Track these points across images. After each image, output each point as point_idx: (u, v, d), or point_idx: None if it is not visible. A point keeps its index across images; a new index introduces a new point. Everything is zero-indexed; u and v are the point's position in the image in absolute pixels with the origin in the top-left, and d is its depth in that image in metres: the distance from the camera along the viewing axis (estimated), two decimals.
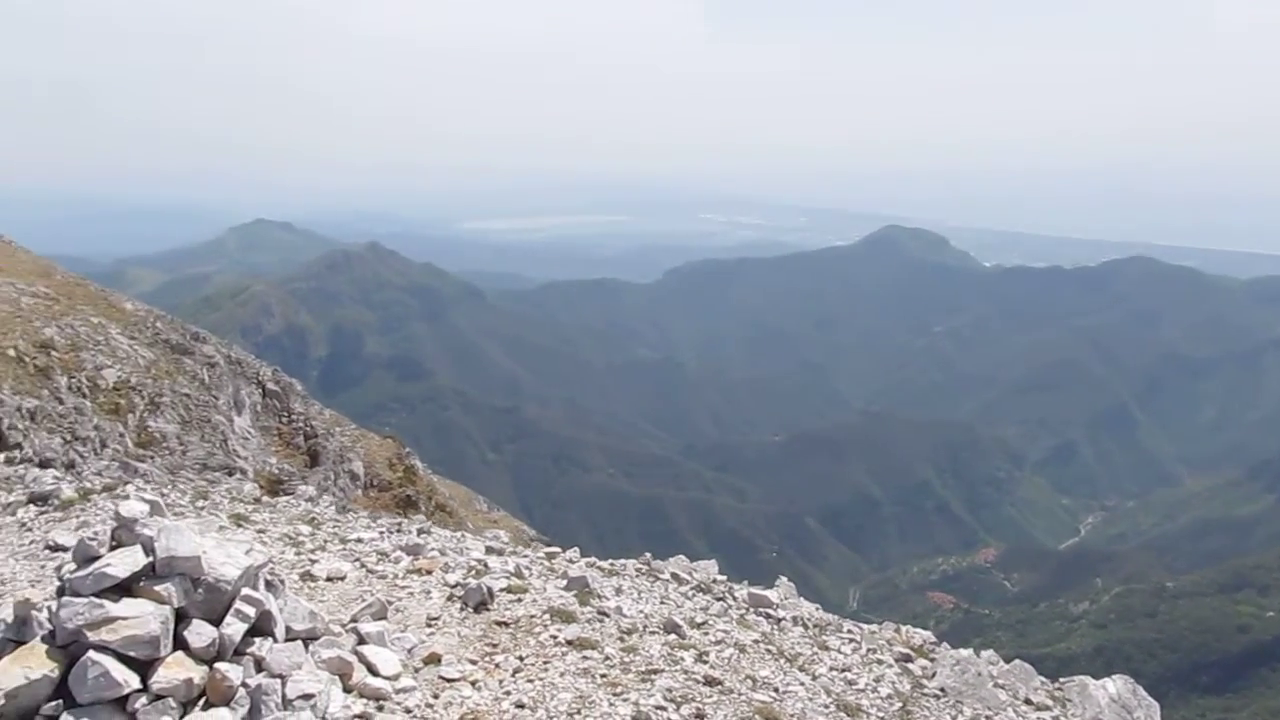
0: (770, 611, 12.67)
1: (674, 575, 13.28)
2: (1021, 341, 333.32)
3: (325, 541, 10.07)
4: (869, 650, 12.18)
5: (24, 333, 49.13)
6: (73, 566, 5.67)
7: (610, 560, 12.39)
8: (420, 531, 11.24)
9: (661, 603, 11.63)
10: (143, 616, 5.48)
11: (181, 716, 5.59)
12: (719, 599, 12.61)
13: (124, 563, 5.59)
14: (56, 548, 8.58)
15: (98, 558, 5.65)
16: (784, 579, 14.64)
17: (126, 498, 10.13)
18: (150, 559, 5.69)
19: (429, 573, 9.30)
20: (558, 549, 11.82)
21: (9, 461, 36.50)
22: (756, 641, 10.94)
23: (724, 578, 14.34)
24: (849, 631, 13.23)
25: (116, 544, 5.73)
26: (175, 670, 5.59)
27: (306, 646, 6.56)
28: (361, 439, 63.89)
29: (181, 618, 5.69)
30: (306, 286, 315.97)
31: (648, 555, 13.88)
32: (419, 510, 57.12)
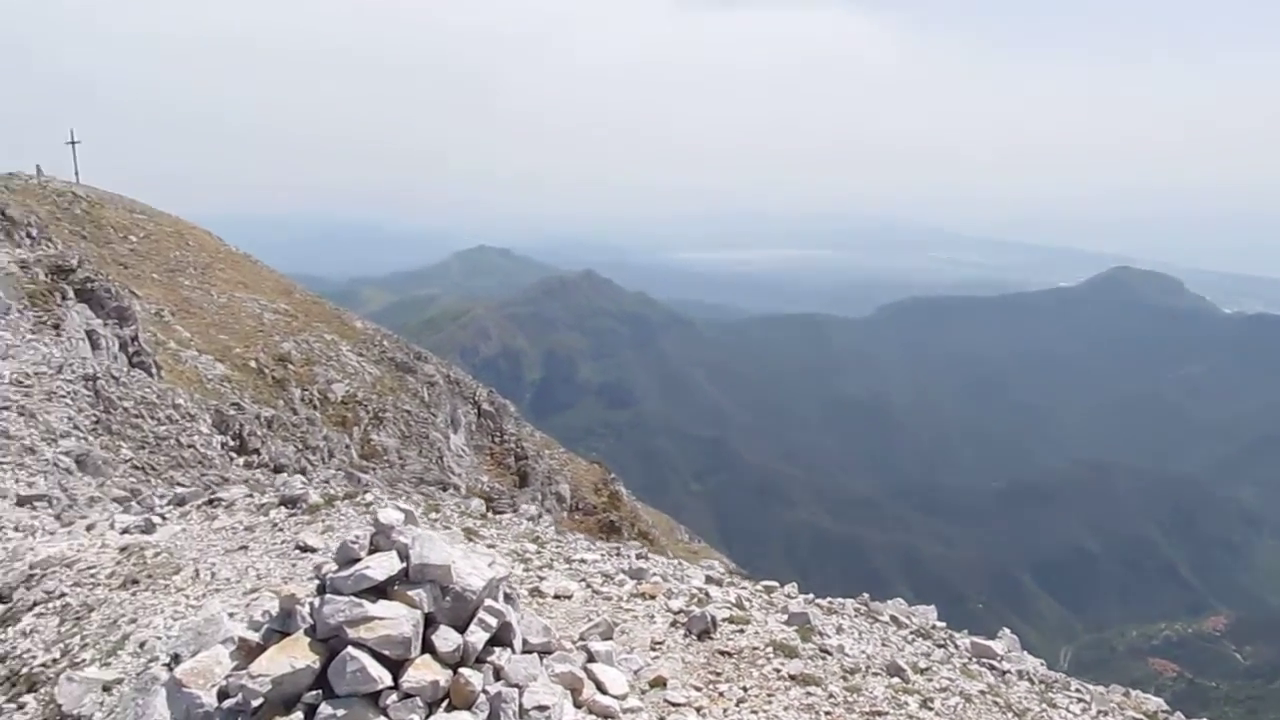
0: (994, 663, 12.22)
1: (893, 618, 13.00)
2: (1262, 394, 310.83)
3: (551, 560, 10.34)
4: (1099, 712, 11.57)
5: (265, 346, 52.68)
6: (334, 567, 6.02)
7: (828, 599, 12.23)
8: (639, 556, 11.40)
9: (883, 645, 11.39)
10: (397, 618, 5.76)
11: (427, 716, 5.86)
12: (940, 645, 12.25)
13: (382, 567, 5.90)
14: (305, 548, 9.11)
15: (357, 560, 5.97)
16: (1007, 631, 14.07)
17: (367, 505, 10.69)
18: (404, 565, 5.98)
19: (652, 597, 9.41)
20: (775, 583, 11.77)
21: (248, 465, 39.12)
22: (982, 692, 10.57)
23: (943, 624, 13.93)
24: (1076, 690, 12.60)
25: (374, 548, 6.05)
26: (423, 671, 5.87)
27: (541, 659, 6.77)
28: (569, 463, 65.43)
29: (430, 622, 5.96)
30: (524, 311, 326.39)
31: (865, 596, 13.65)
32: (622, 536, 57.96)
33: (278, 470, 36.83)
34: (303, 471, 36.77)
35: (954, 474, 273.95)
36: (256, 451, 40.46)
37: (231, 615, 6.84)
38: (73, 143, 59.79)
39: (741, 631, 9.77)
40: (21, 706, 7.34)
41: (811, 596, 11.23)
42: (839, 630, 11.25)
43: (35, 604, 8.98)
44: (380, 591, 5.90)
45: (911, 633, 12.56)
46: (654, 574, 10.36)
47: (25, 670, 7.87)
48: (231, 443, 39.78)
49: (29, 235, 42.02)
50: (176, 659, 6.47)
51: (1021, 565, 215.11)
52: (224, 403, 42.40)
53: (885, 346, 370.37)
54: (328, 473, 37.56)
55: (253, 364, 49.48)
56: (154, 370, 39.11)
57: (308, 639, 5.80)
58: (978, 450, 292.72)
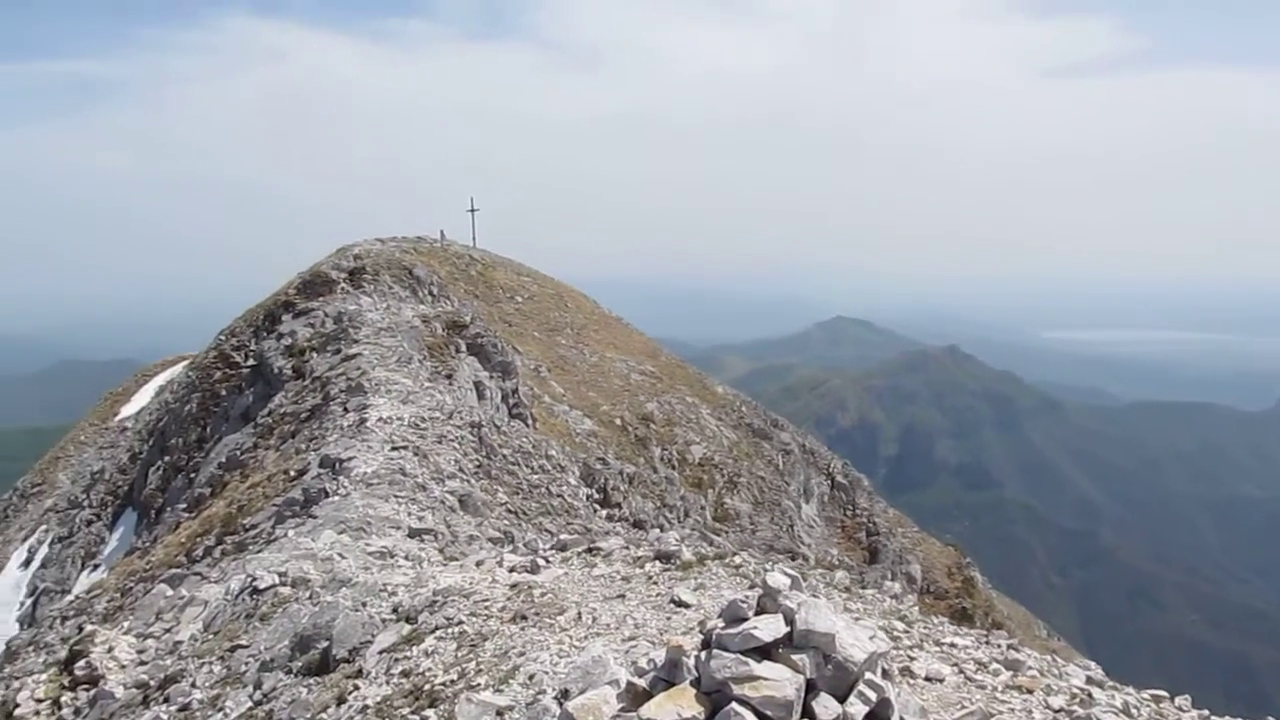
0: None
1: None
2: None
3: (921, 640, 10.09)
4: None
5: (630, 405, 55.08)
6: (720, 624, 6.18)
7: (1227, 718, 11.10)
8: (1010, 646, 10.88)
9: None
10: (781, 680, 5.83)
11: None
12: None
13: (768, 628, 6.00)
14: (680, 603, 9.40)
15: (744, 619, 6.11)
16: None
17: (735, 567, 10.91)
18: (789, 629, 6.06)
19: (1030, 691, 8.95)
20: (1164, 693, 10.82)
21: (610, 518, 40.85)
22: None
23: None
24: None
25: (761, 610, 6.17)
26: None
27: None
28: (922, 543, 63.55)
29: (810, 689, 5.99)
30: (882, 384, 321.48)
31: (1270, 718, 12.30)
32: (974, 625, 55.34)
33: (637, 525, 38.26)
34: (659, 528, 37.88)
35: None
36: (619, 505, 42.23)
37: (613, 659, 7.16)
38: (472, 210, 65.54)
39: None
40: (424, 719, 8.05)
41: (1207, 713, 10.22)
42: None
43: (436, 628, 9.80)
44: (765, 652, 5.99)
45: None
46: (1030, 667, 9.84)
47: (427, 687, 8.61)
48: (596, 495, 41.76)
49: (431, 293, 46.40)
50: (566, 694, 6.86)
51: None
52: (591, 456, 44.65)
53: None
54: (683, 532, 38.59)
55: (618, 421, 51.81)
56: (530, 421, 41.83)
57: (693, 690, 5.98)
58: None
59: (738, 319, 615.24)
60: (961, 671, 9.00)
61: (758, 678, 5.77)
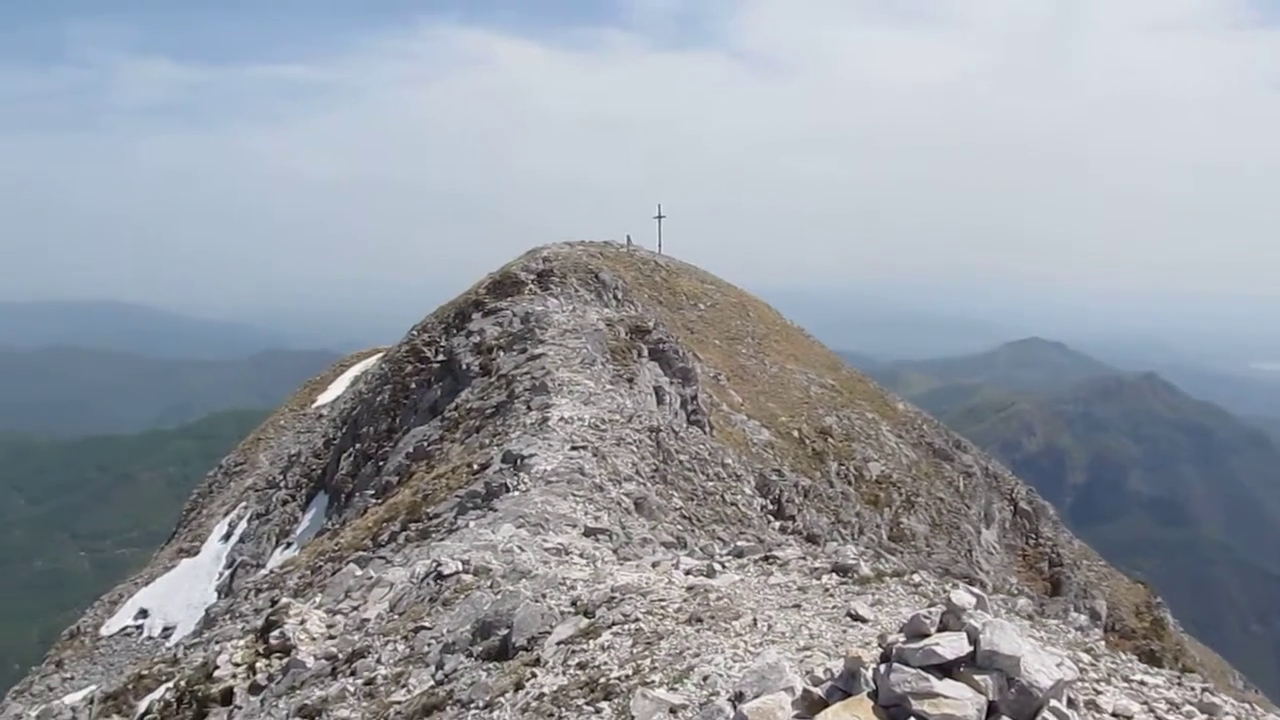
0: None
1: None
2: None
3: (1108, 675, 9.71)
4: None
5: (809, 418, 54.59)
6: (901, 638, 6.11)
7: None
8: (1204, 690, 10.34)
9: None
10: (962, 700, 5.73)
11: None
12: None
13: (950, 646, 5.91)
14: (856, 617, 9.32)
15: (926, 635, 6.03)
16: None
17: (915, 585, 10.73)
18: (972, 648, 5.95)
19: None
20: None
21: (783, 530, 40.60)
22: None
23: None
24: None
25: (943, 627, 6.08)
26: None
27: None
28: (1109, 578, 60.78)
29: (991, 711, 5.86)
30: (1073, 410, 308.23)
31: None
32: (1162, 668, 52.61)
33: (810, 539, 37.89)
34: (826, 545, 37.35)
35: None
36: (792, 518, 41.93)
37: (789, 666, 7.16)
38: (659, 217, 66.08)
39: None
40: (599, 711, 8.21)
41: None
42: None
43: (613, 624, 9.98)
44: (946, 670, 5.90)
45: None
46: (1227, 713, 9.34)
47: (602, 680, 8.77)
48: (770, 506, 41.55)
49: (615, 297, 47.10)
50: (740, 697, 6.90)
51: None
52: (767, 467, 44.47)
53: None
54: (856, 550, 38.05)
55: (795, 434, 51.43)
56: (708, 429, 41.97)
57: (870, 702, 5.93)
58: None
59: (923, 335, 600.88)
60: (1152, 711, 8.61)
61: (938, 695, 5.68)
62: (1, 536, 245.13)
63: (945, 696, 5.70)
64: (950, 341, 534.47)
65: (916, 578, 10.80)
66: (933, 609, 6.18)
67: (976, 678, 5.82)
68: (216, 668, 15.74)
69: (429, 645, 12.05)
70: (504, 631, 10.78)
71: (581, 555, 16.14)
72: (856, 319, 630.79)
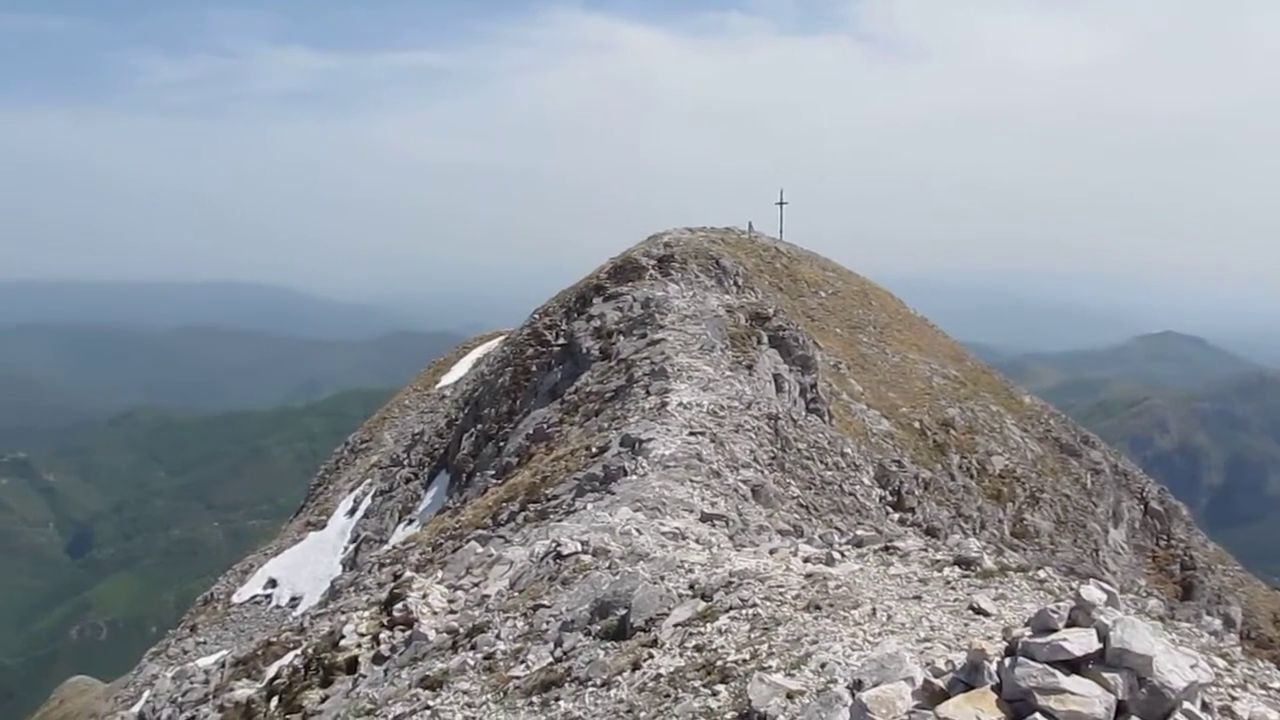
0: None
1: None
2: None
3: (1244, 680, 9.34)
4: None
5: (930, 409, 53.65)
6: (1028, 632, 5.99)
7: None
8: None
9: None
10: (1089, 697, 5.59)
11: None
12: None
13: (1079, 642, 5.77)
14: (979, 610, 9.15)
15: (1053, 630, 5.90)
16: None
17: (1040, 581, 10.49)
18: (1101, 646, 5.80)
19: None
20: None
21: (902, 522, 40.02)
22: None
23: None
24: None
25: (1072, 623, 5.94)
26: None
27: None
28: (1245, 583, 58.37)
29: (1120, 710, 5.71)
30: (1210, 407, 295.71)
31: None
32: None
33: (930, 532, 37.30)
34: (947, 538, 36.76)
35: None
36: (912, 510, 41.34)
37: (909, 656, 7.09)
38: (781, 204, 65.55)
39: None
40: (715, 694, 8.25)
41: None
42: None
43: (731, 608, 9.99)
44: (1073, 666, 5.76)
45: None
46: None
47: (719, 663, 8.80)
48: (889, 497, 41.05)
49: (735, 284, 46.92)
50: (859, 685, 6.85)
51: None
52: (886, 458, 43.93)
53: None
54: (978, 544, 37.30)
55: (916, 425, 50.65)
56: (827, 418, 41.59)
57: (994, 696, 5.83)
58: None
59: (1052, 327, 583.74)
60: None
61: (1065, 691, 5.55)
62: (142, 506, 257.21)
63: (1072, 693, 5.56)
64: (1080, 334, 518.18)
65: (1042, 574, 10.56)
66: (1060, 604, 6.04)
67: (1106, 676, 5.67)
68: (342, 637, 16.25)
69: (548, 623, 12.24)
70: (622, 612, 10.88)
71: (698, 540, 16.18)
72: (982, 309, 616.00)
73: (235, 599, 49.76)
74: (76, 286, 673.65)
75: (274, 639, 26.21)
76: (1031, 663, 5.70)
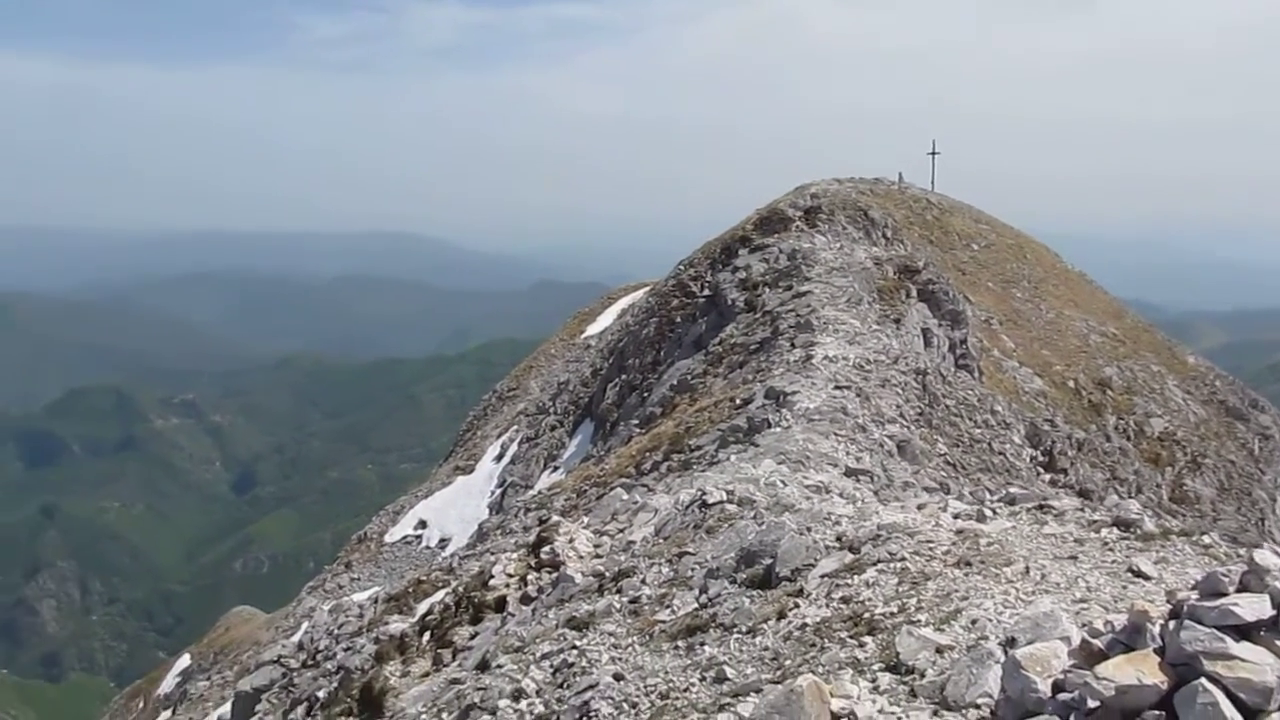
0: None
1: None
2: None
3: None
4: None
5: (1086, 368, 51.86)
6: (1195, 596, 5.80)
7: None
8: None
9: None
10: (1261, 664, 5.38)
11: None
12: None
13: (1251, 608, 5.55)
14: (1138, 573, 8.87)
15: (1223, 594, 5.69)
16: None
17: (1205, 546, 10.09)
18: (1275, 613, 5.58)
19: None
20: None
21: (1053, 483, 38.98)
22: None
23: None
24: None
25: (1243, 587, 5.72)
26: None
27: None
28: None
29: None
30: None
31: None
32: None
33: (1083, 494, 36.22)
34: (1101, 501, 35.67)
35: None
36: (1064, 471, 40.21)
37: (1065, 616, 6.94)
38: (933, 153, 63.84)
39: None
40: (861, 645, 8.24)
41: None
42: None
43: (879, 561, 9.93)
44: (1243, 632, 5.55)
45: None
46: None
47: (866, 615, 8.77)
48: (1040, 458, 39.99)
49: (884, 236, 46.02)
50: (1013, 642, 6.75)
51: None
52: (1039, 417, 42.72)
53: None
54: (1138, 506, 36.08)
55: (1071, 384, 49.05)
56: (977, 374, 40.65)
57: (1156, 658, 5.67)
58: None
59: (1218, 284, 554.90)
60: None
61: (1234, 657, 5.35)
62: (301, 447, 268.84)
63: (1242, 660, 5.36)
64: (1248, 293, 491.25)
65: (1207, 539, 10.15)
66: (1231, 568, 5.81)
67: (1279, 643, 5.45)
68: (491, 577, 16.74)
69: (693, 570, 12.36)
70: (768, 561, 10.91)
71: (842, 495, 16.06)
72: (1144, 265, 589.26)
73: (387, 538, 51.63)
74: (240, 238, 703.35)
75: (424, 578, 27.06)
76: (1199, 626, 5.51)
